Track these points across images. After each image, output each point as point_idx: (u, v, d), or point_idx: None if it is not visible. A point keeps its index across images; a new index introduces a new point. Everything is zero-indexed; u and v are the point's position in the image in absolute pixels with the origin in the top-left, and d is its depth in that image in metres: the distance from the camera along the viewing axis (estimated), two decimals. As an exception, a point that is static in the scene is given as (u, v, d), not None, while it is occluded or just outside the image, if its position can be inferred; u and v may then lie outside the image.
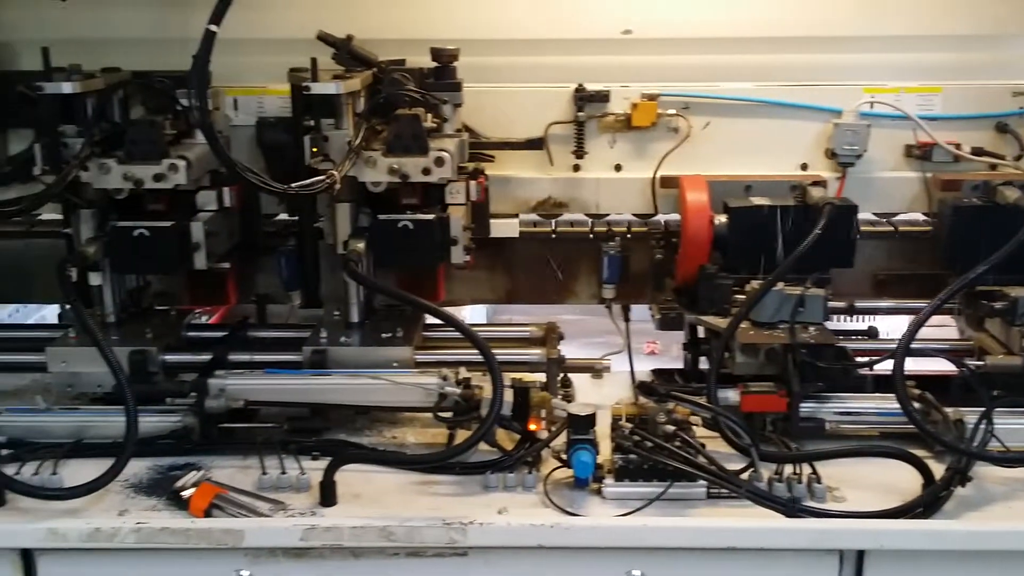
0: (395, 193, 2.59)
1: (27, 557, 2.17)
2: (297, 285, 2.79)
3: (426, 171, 2.50)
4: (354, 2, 2.90)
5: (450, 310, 2.54)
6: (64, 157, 2.52)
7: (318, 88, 2.51)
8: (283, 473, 2.31)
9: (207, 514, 2.18)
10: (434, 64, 2.74)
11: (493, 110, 2.92)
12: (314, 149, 2.54)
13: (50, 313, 4.14)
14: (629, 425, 2.30)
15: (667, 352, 5.69)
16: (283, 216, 2.92)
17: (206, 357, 2.64)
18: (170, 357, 2.64)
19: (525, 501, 2.26)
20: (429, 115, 2.62)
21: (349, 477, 2.29)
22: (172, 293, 2.94)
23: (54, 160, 2.52)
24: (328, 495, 2.23)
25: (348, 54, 2.73)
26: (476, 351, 2.38)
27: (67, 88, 2.52)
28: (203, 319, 3.14)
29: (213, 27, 2.19)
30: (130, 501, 2.25)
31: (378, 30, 2.84)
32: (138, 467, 2.35)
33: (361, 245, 2.54)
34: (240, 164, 2.33)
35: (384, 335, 2.66)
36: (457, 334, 2.49)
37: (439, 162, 2.50)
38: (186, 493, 2.21)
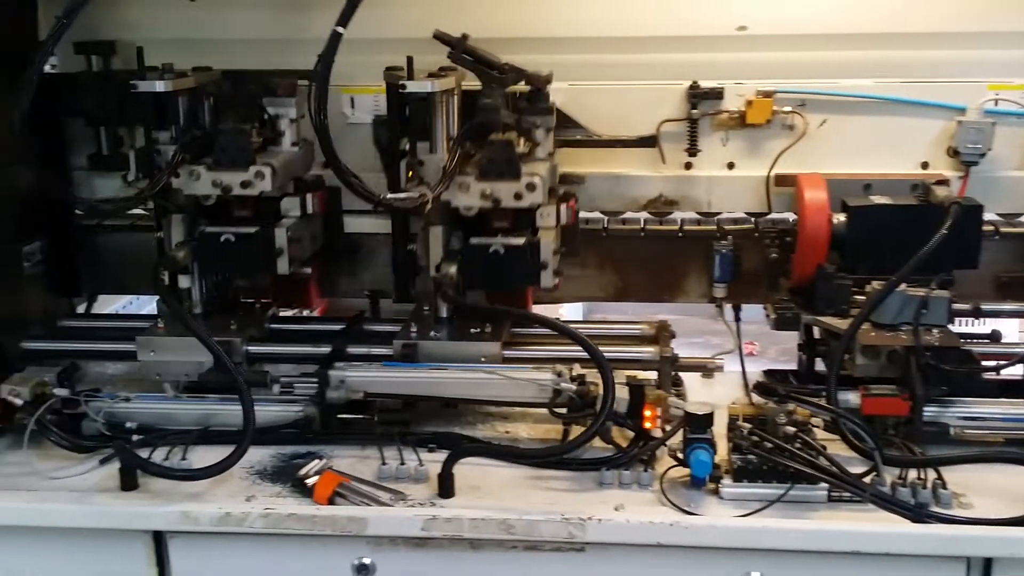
0: (486, 215, 2.61)
1: (158, 539, 2.25)
2: None
3: (518, 196, 2.53)
4: (469, 1, 2.92)
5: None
6: (157, 163, 2.61)
7: (413, 87, 2.54)
8: (402, 464, 2.35)
9: (330, 502, 2.23)
10: (527, 88, 2.71)
11: (606, 107, 2.91)
12: (410, 173, 2.57)
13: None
14: (747, 425, 2.28)
15: (764, 354, 5.63)
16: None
17: (288, 349, 2.72)
18: (253, 348, 2.69)
19: (641, 499, 2.26)
20: (521, 139, 2.64)
21: (464, 470, 2.32)
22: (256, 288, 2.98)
23: (147, 165, 2.63)
24: (447, 487, 2.27)
25: (464, 53, 2.75)
26: (576, 347, 2.41)
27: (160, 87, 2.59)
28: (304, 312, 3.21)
29: (340, 29, 2.24)
30: (256, 487, 2.32)
31: (492, 29, 2.83)
32: (262, 455, 2.42)
33: (453, 270, 2.58)
34: (344, 167, 2.39)
35: (473, 330, 2.68)
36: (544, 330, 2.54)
37: (531, 187, 2.52)
38: (310, 481, 2.27)
